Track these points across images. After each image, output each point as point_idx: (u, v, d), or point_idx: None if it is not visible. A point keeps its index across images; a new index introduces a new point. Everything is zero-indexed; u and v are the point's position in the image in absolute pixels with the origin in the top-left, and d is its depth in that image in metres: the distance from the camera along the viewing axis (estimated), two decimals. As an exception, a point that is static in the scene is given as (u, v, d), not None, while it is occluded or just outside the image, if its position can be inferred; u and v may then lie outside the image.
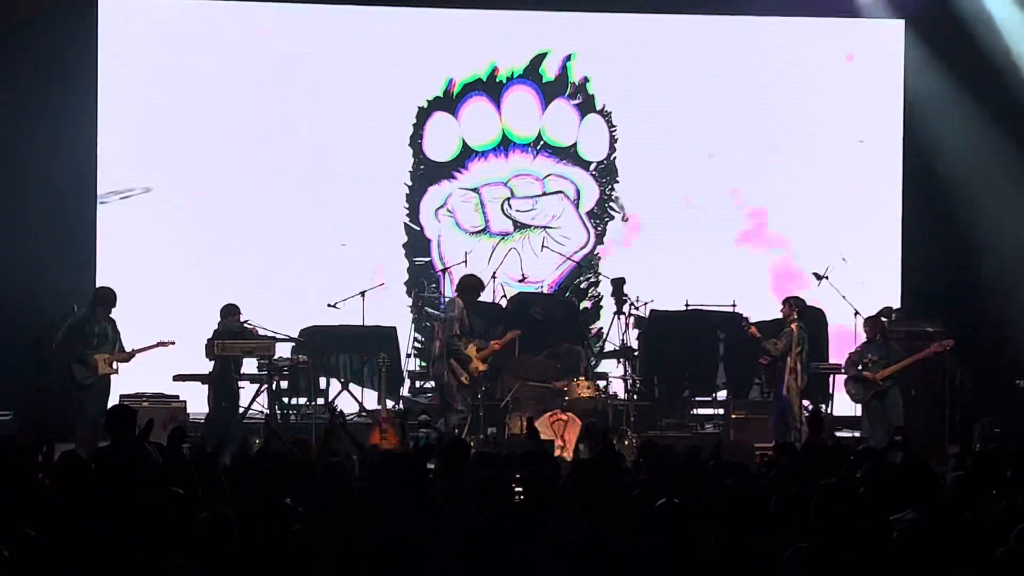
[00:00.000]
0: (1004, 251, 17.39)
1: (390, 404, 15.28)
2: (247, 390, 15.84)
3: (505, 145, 17.90)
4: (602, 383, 15.81)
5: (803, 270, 17.13)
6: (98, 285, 15.92)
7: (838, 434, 15.49)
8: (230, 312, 15.58)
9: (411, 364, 16.71)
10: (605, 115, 17.98)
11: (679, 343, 16.73)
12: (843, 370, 15.72)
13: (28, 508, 7.68)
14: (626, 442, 14.36)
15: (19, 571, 6.37)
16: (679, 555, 7.09)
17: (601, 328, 17.63)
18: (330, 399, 16.27)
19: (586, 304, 17.96)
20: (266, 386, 15.67)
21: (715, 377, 16.92)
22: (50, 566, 6.48)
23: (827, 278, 16.20)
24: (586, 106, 17.97)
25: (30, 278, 16.14)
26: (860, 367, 15.38)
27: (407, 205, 17.76)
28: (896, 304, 17.17)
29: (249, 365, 15.82)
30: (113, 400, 14.78)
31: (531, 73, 17.90)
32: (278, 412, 15.62)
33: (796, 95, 17.98)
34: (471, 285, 15.33)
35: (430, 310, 16.69)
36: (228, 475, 8.89)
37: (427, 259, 17.72)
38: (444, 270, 17.57)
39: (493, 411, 15.22)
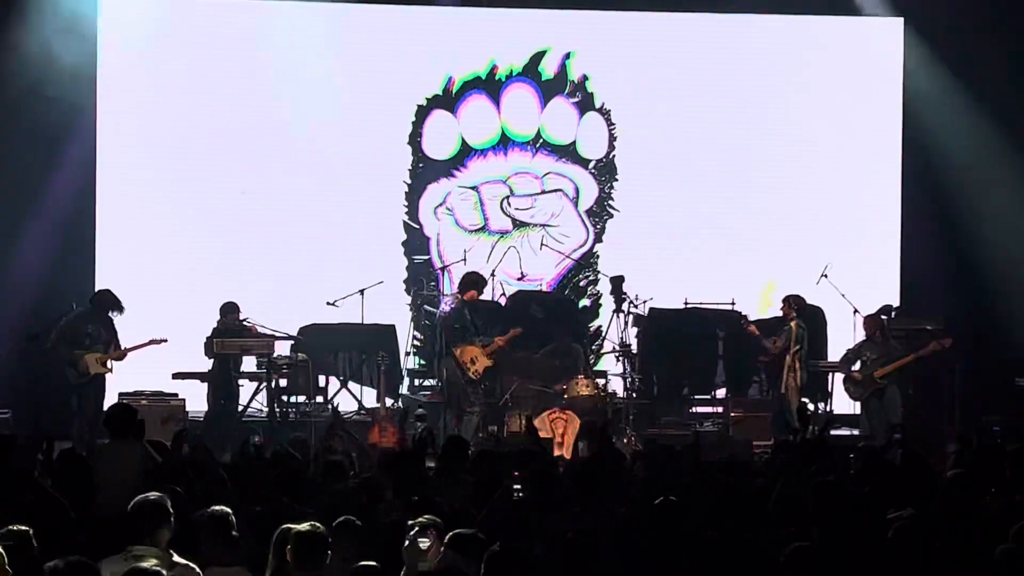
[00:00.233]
0: (1003, 249, 17.39)
1: (389, 402, 15.27)
2: (246, 388, 15.87)
3: (504, 143, 17.89)
4: (601, 381, 15.80)
5: (802, 269, 17.10)
6: (98, 285, 15.94)
7: (835, 432, 15.47)
8: (229, 310, 15.61)
9: (410, 362, 16.70)
10: (604, 113, 17.97)
11: (678, 341, 16.73)
12: (839, 367, 15.74)
13: (28, 505, 7.70)
14: (625, 440, 14.35)
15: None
16: (678, 553, 7.10)
17: (600, 326, 17.63)
18: (329, 397, 16.28)
19: (585, 302, 17.95)
20: (265, 384, 15.67)
21: (714, 375, 16.93)
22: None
23: (826, 276, 16.20)
24: (585, 104, 17.96)
25: (30, 278, 16.13)
26: (858, 365, 15.39)
27: (406, 203, 17.75)
28: (896, 302, 17.19)
29: (248, 363, 15.84)
30: (111, 398, 14.80)
31: (530, 71, 17.89)
32: (277, 410, 15.60)
33: (795, 92, 17.96)
34: (473, 282, 15.33)
35: (429, 308, 16.67)
36: (229, 473, 8.90)
37: (426, 257, 17.70)
38: (443, 268, 17.56)
39: (492, 409, 15.22)
